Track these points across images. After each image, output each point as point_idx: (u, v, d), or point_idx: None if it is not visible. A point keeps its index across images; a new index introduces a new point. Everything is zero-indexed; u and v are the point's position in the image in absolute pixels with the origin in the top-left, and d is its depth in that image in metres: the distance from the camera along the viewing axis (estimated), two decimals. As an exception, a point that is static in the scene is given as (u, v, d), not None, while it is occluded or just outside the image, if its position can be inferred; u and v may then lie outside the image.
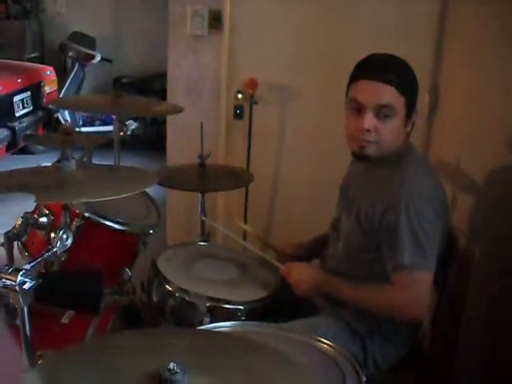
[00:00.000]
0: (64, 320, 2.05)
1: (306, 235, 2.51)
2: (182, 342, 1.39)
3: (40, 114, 6.05)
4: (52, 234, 1.55)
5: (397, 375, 2.13)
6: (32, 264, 1.46)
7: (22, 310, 1.44)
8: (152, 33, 6.74)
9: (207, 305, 2.13)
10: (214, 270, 2.35)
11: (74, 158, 1.67)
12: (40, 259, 1.50)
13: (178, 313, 2.19)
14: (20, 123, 5.61)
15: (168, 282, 2.20)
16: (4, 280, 1.40)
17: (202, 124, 2.67)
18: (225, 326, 1.88)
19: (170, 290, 2.19)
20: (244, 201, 3.45)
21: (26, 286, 1.41)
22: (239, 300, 2.15)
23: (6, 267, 1.43)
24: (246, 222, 3.40)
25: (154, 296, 2.27)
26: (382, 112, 1.99)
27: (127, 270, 2.36)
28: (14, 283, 1.40)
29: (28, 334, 1.51)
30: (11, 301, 1.46)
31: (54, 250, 1.53)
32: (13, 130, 5.43)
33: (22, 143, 5.65)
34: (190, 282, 2.22)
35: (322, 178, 3.25)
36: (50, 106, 6.09)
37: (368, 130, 2.00)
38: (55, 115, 6.33)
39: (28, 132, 5.70)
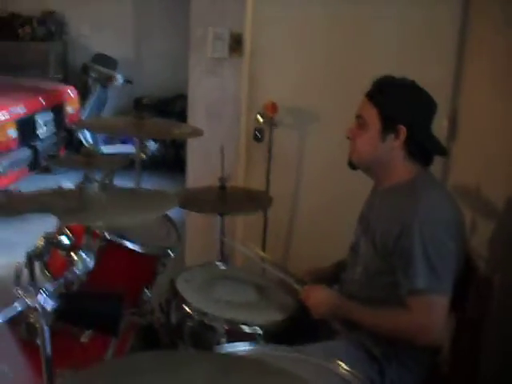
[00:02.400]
0: (83, 339, 2.07)
1: (326, 260, 2.51)
2: (201, 365, 1.40)
3: (62, 134, 6.11)
4: (74, 255, 1.57)
5: None
6: (54, 284, 1.48)
7: (43, 330, 1.46)
8: (173, 54, 6.80)
9: (225, 327, 2.13)
10: (232, 292, 2.36)
11: (96, 181, 1.70)
12: (61, 280, 1.52)
13: (196, 334, 2.19)
14: (42, 143, 5.66)
15: (186, 304, 2.21)
16: (26, 300, 1.42)
17: (222, 147, 2.69)
18: (242, 348, 1.88)
19: (188, 312, 2.19)
20: (263, 223, 3.45)
21: (48, 307, 1.42)
22: (257, 323, 2.16)
23: (29, 287, 1.44)
24: (264, 244, 3.41)
25: (172, 317, 2.28)
26: (359, 122, 2.12)
27: (146, 290, 2.37)
28: (35, 303, 1.42)
29: (48, 353, 1.52)
30: (32, 320, 1.47)
31: (76, 271, 1.54)
32: (35, 149, 5.48)
33: (43, 163, 5.70)
34: (209, 303, 2.23)
35: (341, 203, 3.26)
36: (72, 127, 6.15)
37: (348, 138, 2.16)
38: (77, 135, 6.40)
39: (50, 152, 5.76)
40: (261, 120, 3.36)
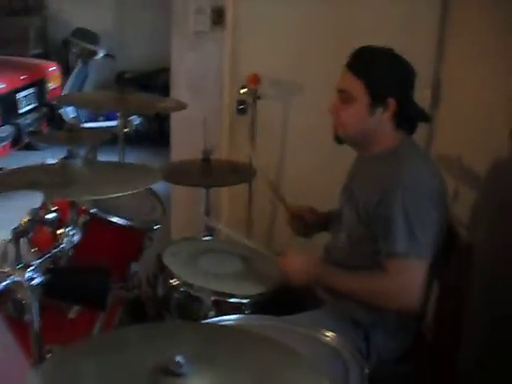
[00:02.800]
0: (71, 315, 2.08)
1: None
2: (187, 336, 1.42)
3: (44, 110, 6.10)
4: (59, 231, 1.57)
5: (400, 367, 2.14)
6: (40, 260, 1.49)
7: (32, 306, 1.47)
8: (155, 28, 6.75)
9: (212, 299, 2.15)
10: (218, 264, 2.38)
11: (79, 156, 1.70)
12: (48, 255, 1.53)
13: (183, 307, 2.21)
14: (24, 120, 5.65)
15: (173, 277, 2.23)
16: (13, 276, 1.43)
17: (204, 119, 2.69)
18: (229, 319, 1.90)
19: (175, 285, 2.21)
20: (248, 195, 3.46)
21: (35, 282, 1.43)
22: (243, 294, 2.18)
23: (15, 263, 1.45)
24: (250, 216, 3.42)
25: (159, 290, 2.30)
26: (342, 96, 2.08)
27: (133, 265, 2.38)
28: (22, 279, 1.43)
29: (37, 328, 1.53)
30: (19, 296, 1.48)
31: (62, 246, 1.55)
32: (17, 126, 5.46)
33: (26, 139, 5.67)
34: (195, 276, 2.25)
35: (325, 173, 3.26)
36: (54, 102, 6.11)
37: (331, 112, 2.12)
38: (59, 111, 6.36)
39: (32, 128, 5.73)
40: (244, 92, 3.35)
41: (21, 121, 5.56)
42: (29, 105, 5.83)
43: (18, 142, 5.60)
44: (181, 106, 2.66)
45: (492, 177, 2.43)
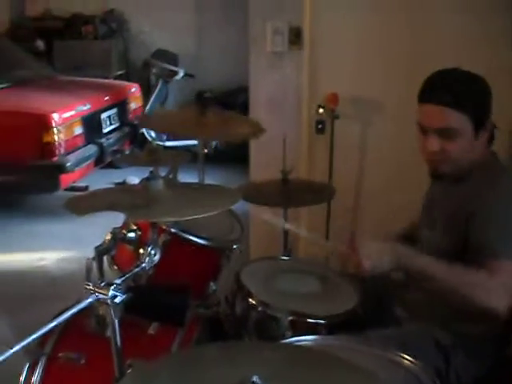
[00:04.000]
0: (151, 331, 2.11)
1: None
2: (264, 355, 1.43)
3: (126, 129, 6.24)
4: (141, 250, 1.62)
5: None
6: (122, 279, 1.53)
7: (113, 323, 1.51)
8: (233, 48, 6.85)
9: (289, 319, 2.14)
10: (296, 284, 2.37)
11: (161, 177, 1.74)
12: (130, 274, 1.57)
13: (260, 326, 2.21)
14: (107, 139, 5.79)
15: (251, 296, 2.23)
16: (97, 294, 1.47)
17: (284, 140, 2.71)
18: (306, 340, 1.90)
19: (252, 304, 2.22)
20: (326, 215, 3.46)
21: (117, 300, 1.48)
22: (321, 314, 2.16)
23: (99, 281, 1.50)
24: (327, 237, 3.41)
25: (237, 309, 2.31)
26: (445, 134, 2.01)
27: (212, 283, 2.41)
28: (106, 297, 1.47)
29: (119, 345, 1.57)
30: (101, 312, 1.53)
31: (143, 265, 1.60)
32: (100, 145, 5.61)
33: (109, 158, 5.82)
34: (273, 295, 2.25)
35: (404, 193, 3.24)
36: (136, 122, 6.27)
37: (434, 153, 2.04)
38: (140, 130, 6.52)
39: (115, 147, 5.88)
40: (322, 112, 3.36)
41: (104, 140, 5.71)
42: (112, 124, 5.99)
43: (102, 161, 5.75)
44: (259, 131, 2.66)
45: None
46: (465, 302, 1.94)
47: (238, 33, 6.26)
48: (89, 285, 1.50)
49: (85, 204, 1.77)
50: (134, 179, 6.00)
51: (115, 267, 2.29)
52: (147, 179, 1.74)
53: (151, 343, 2.12)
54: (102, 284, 1.49)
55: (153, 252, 1.62)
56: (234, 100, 6.69)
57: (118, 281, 1.51)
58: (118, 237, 1.94)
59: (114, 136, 5.95)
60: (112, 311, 1.49)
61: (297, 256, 2.91)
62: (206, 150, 2.67)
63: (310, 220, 3.59)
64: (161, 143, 6.52)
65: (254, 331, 2.23)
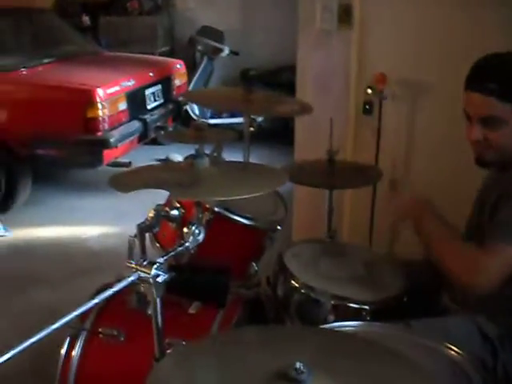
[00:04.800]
0: (191, 310, 2.10)
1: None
2: (307, 341, 1.40)
3: (170, 106, 6.20)
4: (185, 229, 1.58)
5: None
6: (165, 257, 1.50)
7: (155, 302, 1.49)
8: (279, 26, 6.80)
9: (332, 303, 2.11)
10: (340, 268, 2.33)
11: (206, 155, 1.70)
12: (173, 253, 1.55)
13: (302, 309, 2.19)
14: (151, 115, 5.77)
15: (294, 278, 2.20)
16: (139, 272, 1.45)
17: (331, 120, 2.65)
18: (350, 325, 1.86)
19: (295, 286, 2.19)
20: (371, 199, 3.40)
21: (160, 279, 1.45)
22: (365, 299, 2.13)
23: (141, 260, 1.47)
24: (372, 221, 3.35)
25: (279, 291, 2.28)
26: (489, 122, 1.96)
27: (254, 264, 2.38)
28: (148, 275, 1.44)
29: (160, 324, 1.55)
30: (142, 290, 1.50)
31: (187, 244, 1.56)
32: (144, 121, 5.59)
33: (152, 135, 5.82)
34: (316, 278, 2.21)
35: (453, 178, 3.15)
36: (180, 99, 6.25)
37: (478, 141, 1.99)
38: (185, 107, 6.50)
39: (159, 124, 5.88)
40: (370, 92, 3.28)
41: (148, 116, 5.69)
42: (156, 101, 5.97)
43: (145, 137, 5.74)
44: (306, 110, 2.61)
45: None
46: (449, 273, 1.95)
47: (284, 10, 6.21)
48: (131, 263, 1.47)
49: (129, 181, 1.74)
50: (177, 156, 6.01)
51: (157, 245, 2.27)
52: (192, 157, 1.71)
53: (191, 323, 2.11)
54: (145, 262, 1.46)
55: (197, 231, 1.58)
56: (280, 79, 6.62)
57: (161, 259, 1.47)
58: (160, 214, 1.91)
59: (157, 112, 5.92)
60: (154, 290, 1.46)
61: (341, 238, 2.85)
62: (251, 128, 2.61)
63: (353, 203, 3.53)
64: (205, 120, 6.50)
65: (295, 314, 2.21)
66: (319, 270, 2.30)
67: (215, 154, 2.17)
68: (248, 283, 2.39)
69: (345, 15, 3.33)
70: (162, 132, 5.81)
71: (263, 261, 2.47)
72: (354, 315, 2.08)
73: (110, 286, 1.44)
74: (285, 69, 6.49)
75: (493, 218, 2.00)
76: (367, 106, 3.37)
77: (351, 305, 2.12)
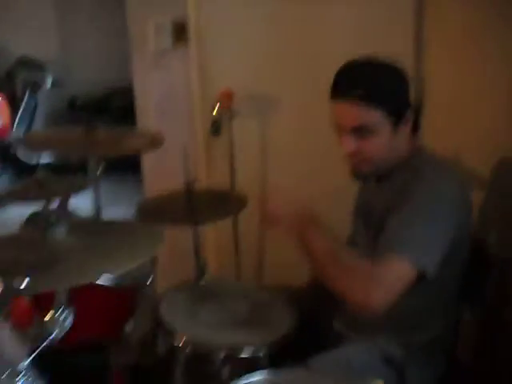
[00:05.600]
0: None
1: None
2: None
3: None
4: (47, 317, 1.27)
5: None
6: (29, 360, 1.19)
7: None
8: (103, 49, 6.49)
9: (223, 355, 1.90)
10: (221, 313, 2.12)
11: (63, 223, 1.39)
12: (38, 351, 1.23)
13: (190, 367, 1.96)
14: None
15: (175, 334, 1.96)
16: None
17: (185, 148, 2.42)
18: (254, 380, 1.66)
19: (178, 343, 1.95)
20: (232, 225, 3.19)
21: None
22: (257, 343, 1.93)
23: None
24: (237, 252, 3.16)
25: (159, 350, 2.04)
26: (360, 132, 1.84)
27: (127, 327, 2.08)
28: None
29: None
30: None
31: (53, 336, 1.26)
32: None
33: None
34: (199, 330, 2.00)
35: (311, 186, 3.03)
36: (7, 142, 5.79)
37: (351, 153, 1.88)
38: (11, 149, 6.02)
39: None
40: (217, 111, 3.08)
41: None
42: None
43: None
44: (157, 142, 2.36)
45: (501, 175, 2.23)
46: (343, 292, 1.78)
47: (107, 32, 5.92)
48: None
49: None
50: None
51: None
52: (42, 223, 1.39)
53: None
54: (4, 376, 1.13)
55: (62, 317, 1.27)
56: (111, 104, 6.35)
57: (24, 365, 1.16)
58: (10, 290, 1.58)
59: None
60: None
61: (211, 277, 2.63)
62: (99, 170, 2.32)
63: (216, 236, 3.29)
64: (34, 162, 6.04)
65: (183, 373, 1.96)
66: (200, 319, 2.07)
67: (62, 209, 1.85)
68: (124, 351, 2.09)
69: (180, 33, 3.13)
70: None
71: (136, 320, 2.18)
72: (250, 363, 1.89)
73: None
74: (115, 93, 6.23)
75: (380, 231, 1.87)
76: (215, 126, 3.16)
77: (244, 354, 1.92)
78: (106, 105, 6.40)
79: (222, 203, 2.59)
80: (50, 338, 1.25)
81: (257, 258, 3.19)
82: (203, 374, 1.93)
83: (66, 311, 1.28)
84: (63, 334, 1.30)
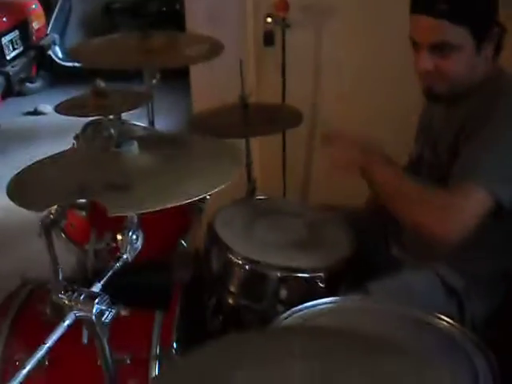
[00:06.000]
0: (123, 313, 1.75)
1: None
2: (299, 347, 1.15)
3: (32, 53, 5.61)
4: (118, 236, 1.22)
5: (492, 333, 1.85)
6: (102, 282, 1.15)
7: (102, 345, 1.14)
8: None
9: (279, 275, 1.86)
10: (278, 231, 2.06)
11: (133, 138, 1.31)
12: (110, 273, 1.19)
13: (245, 285, 1.92)
14: (13, 67, 5.18)
15: (231, 251, 1.92)
16: (76, 312, 1.08)
17: (241, 61, 2.32)
18: (322, 303, 1.63)
19: (234, 261, 1.91)
20: (282, 140, 3.10)
21: (105, 318, 1.09)
22: (315, 266, 1.89)
23: (74, 293, 1.10)
24: (284, 164, 3.07)
25: (214, 266, 2.00)
26: (440, 49, 1.73)
27: (182, 241, 2.03)
28: (89, 314, 1.08)
29: (112, 373, 1.20)
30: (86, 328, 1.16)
31: (125, 257, 1.21)
32: (6, 75, 5.01)
33: (17, 88, 5.25)
34: (256, 249, 1.94)
35: (364, 104, 2.91)
36: (41, 43, 5.66)
37: (428, 71, 1.77)
38: (48, 52, 5.92)
39: (22, 75, 5.30)
40: (270, 21, 2.94)
41: (9, 68, 5.10)
42: (15, 49, 5.35)
43: (10, 92, 5.17)
44: (219, 49, 2.25)
45: None
46: (418, 224, 1.73)
47: None
48: (63, 297, 1.11)
49: (36, 191, 1.30)
50: (46, 106, 5.48)
51: (69, 240, 1.88)
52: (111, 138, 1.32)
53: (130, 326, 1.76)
54: (82, 297, 1.09)
55: (134, 237, 1.22)
56: (148, 9, 6.15)
57: (98, 288, 1.12)
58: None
59: (19, 62, 5.33)
60: (99, 331, 1.11)
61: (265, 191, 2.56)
62: (154, 81, 2.22)
63: (262, 149, 3.20)
64: (70, 65, 5.93)
65: (237, 290, 1.93)
66: (257, 238, 2.03)
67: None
68: (179, 264, 2.05)
69: None
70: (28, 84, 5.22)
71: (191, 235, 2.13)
72: (307, 285, 1.88)
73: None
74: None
75: (454, 159, 1.79)
76: (268, 37, 3.02)
77: (302, 275, 1.88)
78: (143, 9, 6.21)
79: (274, 118, 2.47)
80: (123, 257, 1.20)
81: (303, 178, 3.15)
82: (259, 292, 1.89)
83: (137, 232, 1.23)
84: (135, 254, 1.24)
